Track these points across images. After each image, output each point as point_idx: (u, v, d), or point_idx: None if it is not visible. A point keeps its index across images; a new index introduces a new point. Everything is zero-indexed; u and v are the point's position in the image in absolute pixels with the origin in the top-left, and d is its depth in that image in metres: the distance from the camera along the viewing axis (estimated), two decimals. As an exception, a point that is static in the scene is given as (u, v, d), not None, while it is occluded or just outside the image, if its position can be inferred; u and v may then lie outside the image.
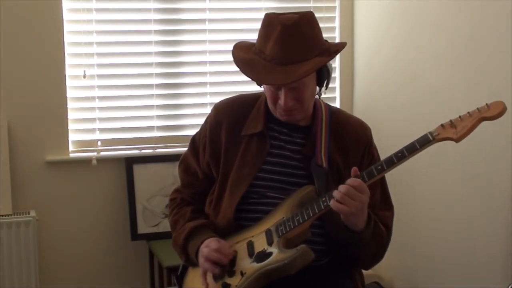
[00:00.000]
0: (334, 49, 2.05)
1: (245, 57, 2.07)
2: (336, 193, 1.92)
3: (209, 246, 2.05)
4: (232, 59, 2.10)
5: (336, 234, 2.04)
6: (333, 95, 3.91)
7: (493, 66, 2.82)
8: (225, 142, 2.18)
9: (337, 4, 3.86)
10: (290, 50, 1.98)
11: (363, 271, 2.25)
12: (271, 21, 2.02)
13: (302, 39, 1.99)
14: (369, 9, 3.74)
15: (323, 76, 2.06)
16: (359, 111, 3.79)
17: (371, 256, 2.14)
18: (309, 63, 1.98)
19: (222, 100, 2.28)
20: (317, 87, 2.10)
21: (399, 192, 2.30)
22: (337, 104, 3.87)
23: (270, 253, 1.97)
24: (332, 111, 2.21)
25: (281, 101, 2.04)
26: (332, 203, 1.92)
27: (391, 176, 2.18)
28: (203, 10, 3.72)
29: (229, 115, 2.20)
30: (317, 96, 2.16)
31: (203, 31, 3.72)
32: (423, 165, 3.17)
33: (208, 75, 3.74)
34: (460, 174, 3.05)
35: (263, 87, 2.12)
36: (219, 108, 2.25)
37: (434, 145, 1.93)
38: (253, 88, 2.20)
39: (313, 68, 1.99)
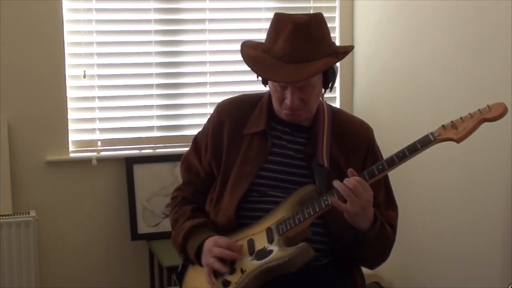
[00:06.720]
0: (342, 50, 2.05)
1: (253, 54, 2.07)
2: (342, 188, 1.91)
3: (219, 244, 2.04)
4: (232, 59, 2.11)
5: (340, 232, 2.04)
6: (333, 95, 3.91)
7: (493, 66, 2.82)
8: (227, 141, 2.18)
9: (337, 4, 3.86)
10: (300, 48, 1.98)
11: (363, 271, 2.25)
12: (282, 19, 2.02)
13: (312, 39, 1.99)
14: (369, 9, 3.74)
15: (329, 78, 2.07)
16: (359, 111, 3.79)
17: (376, 256, 2.14)
18: (318, 63, 1.98)
19: (224, 100, 2.29)
20: (322, 88, 2.11)
21: (399, 193, 2.30)
22: (337, 104, 3.87)
23: (271, 251, 1.98)
24: (334, 111, 2.22)
25: (287, 101, 2.04)
26: (336, 202, 1.92)
27: (391, 177, 2.19)
28: (203, 10, 3.72)
29: (232, 114, 2.21)
30: None
31: (203, 31, 3.71)
32: (424, 165, 3.17)
33: (208, 75, 3.74)
34: (460, 174, 3.05)
35: (269, 86, 2.12)
36: (221, 108, 2.25)
37: (435, 145, 1.94)
38: (254, 88, 2.21)
39: (322, 68, 2.00)
